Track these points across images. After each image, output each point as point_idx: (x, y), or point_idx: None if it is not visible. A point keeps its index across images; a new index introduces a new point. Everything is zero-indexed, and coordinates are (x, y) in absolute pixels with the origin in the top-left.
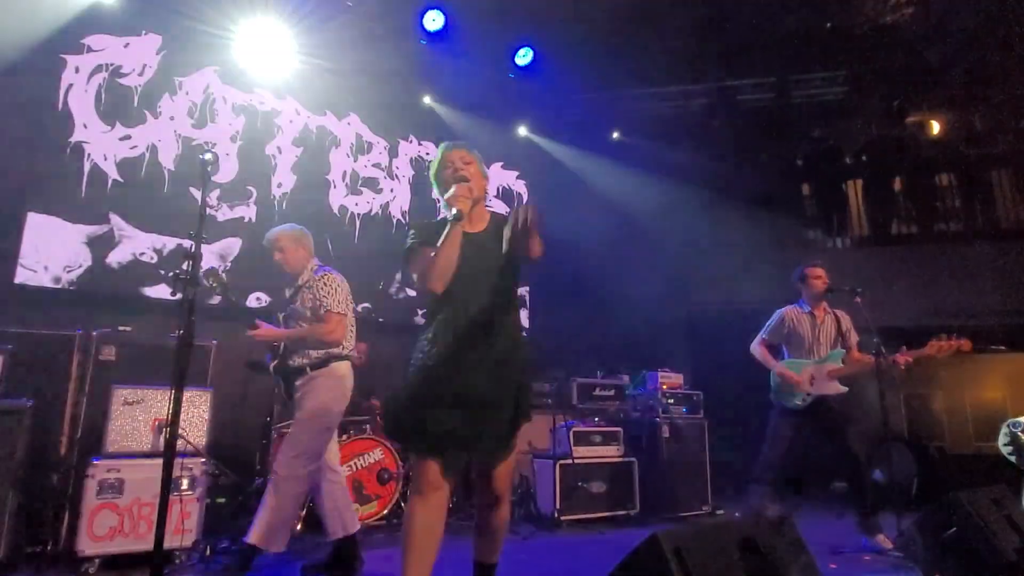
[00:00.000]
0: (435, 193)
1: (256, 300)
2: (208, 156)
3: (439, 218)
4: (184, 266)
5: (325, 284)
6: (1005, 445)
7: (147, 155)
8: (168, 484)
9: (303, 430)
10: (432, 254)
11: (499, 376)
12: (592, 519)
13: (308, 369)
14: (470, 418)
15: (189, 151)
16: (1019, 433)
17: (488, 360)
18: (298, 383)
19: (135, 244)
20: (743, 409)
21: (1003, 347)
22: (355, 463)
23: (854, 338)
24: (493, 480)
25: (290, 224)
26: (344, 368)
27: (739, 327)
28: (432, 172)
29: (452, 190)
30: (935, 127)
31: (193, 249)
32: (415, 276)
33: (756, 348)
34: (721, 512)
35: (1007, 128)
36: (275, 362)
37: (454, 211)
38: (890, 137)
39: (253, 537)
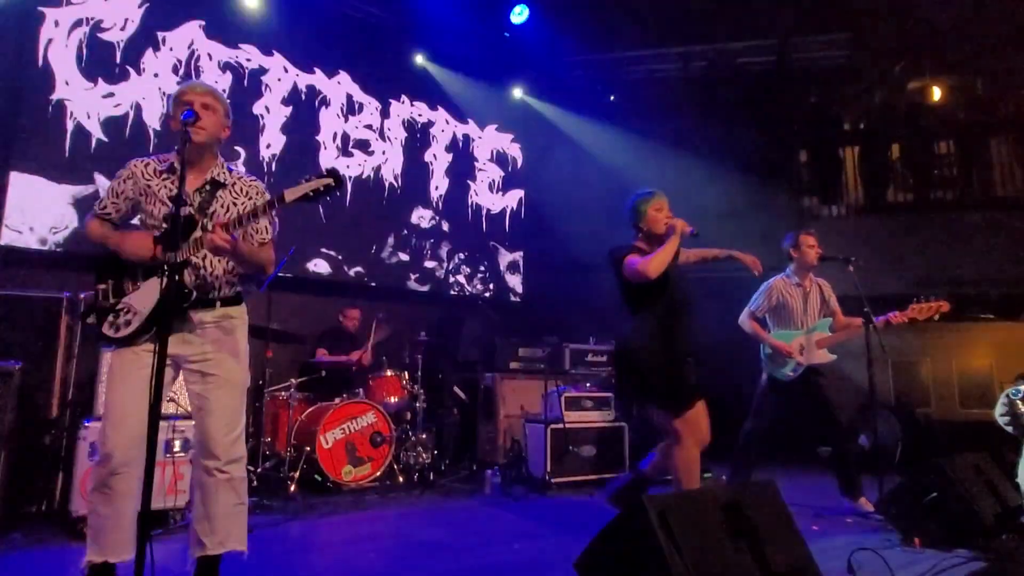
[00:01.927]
0: (648, 224)
1: None
2: (189, 117)
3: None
4: (165, 228)
5: (264, 193)
6: (1002, 415)
7: (131, 114)
8: (153, 446)
9: (239, 402)
10: (660, 254)
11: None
12: (582, 482)
13: (218, 304)
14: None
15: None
16: (1018, 401)
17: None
18: (199, 317)
19: None
20: (732, 376)
21: (992, 315)
22: (348, 426)
23: (836, 305)
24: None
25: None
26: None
27: (731, 294)
28: (637, 210)
29: (676, 221)
30: (936, 93)
31: (174, 211)
32: (645, 268)
33: (746, 322)
34: (708, 475)
35: (1008, 95)
36: (178, 278)
37: (689, 230)
38: (890, 103)
39: (240, 545)
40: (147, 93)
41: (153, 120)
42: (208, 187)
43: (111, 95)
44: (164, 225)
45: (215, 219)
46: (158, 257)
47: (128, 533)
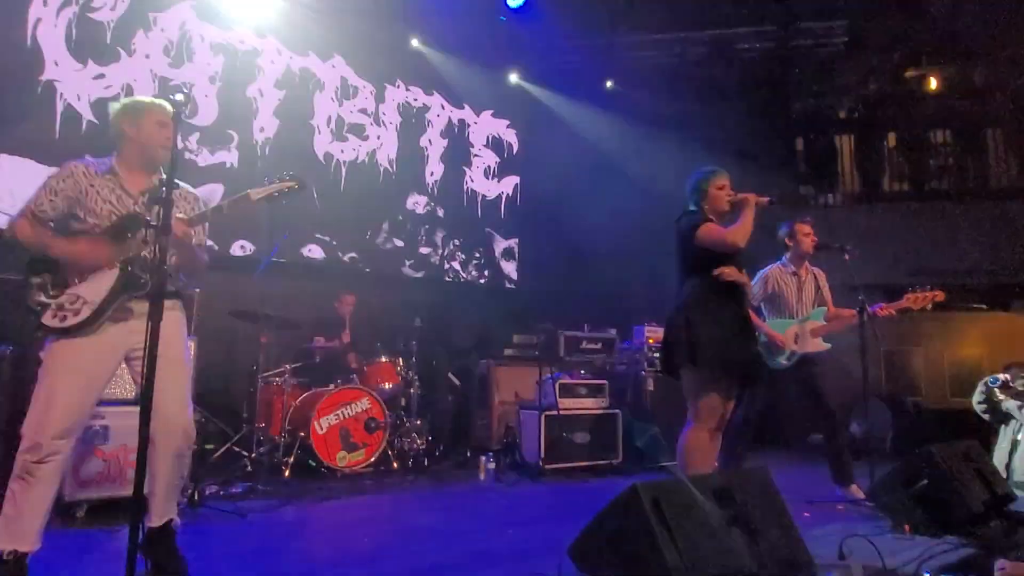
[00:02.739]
0: (710, 202)
1: (240, 248)
2: (180, 96)
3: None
4: (155, 212)
5: (203, 204)
6: (980, 403)
7: (122, 95)
8: (146, 432)
9: (188, 381)
10: (742, 226)
11: None
12: (575, 468)
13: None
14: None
15: (165, 91)
16: (995, 390)
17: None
18: (139, 307)
19: None
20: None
21: (983, 305)
22: (342, 412)
23: (828, 294)
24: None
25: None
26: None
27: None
28: (699, 188)
29: (744, 196)
30: (933, 82)
31: (164, 195)
32: (733, 237)
33: None
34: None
35: (1006, 85)
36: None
37: (765, 200)
38: (886, 92)
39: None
40: (138, 75)
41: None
42: (156, 190)
43: (101, 76)
44: (107, 223)
45: (174, 215)
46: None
47: (41, 523)
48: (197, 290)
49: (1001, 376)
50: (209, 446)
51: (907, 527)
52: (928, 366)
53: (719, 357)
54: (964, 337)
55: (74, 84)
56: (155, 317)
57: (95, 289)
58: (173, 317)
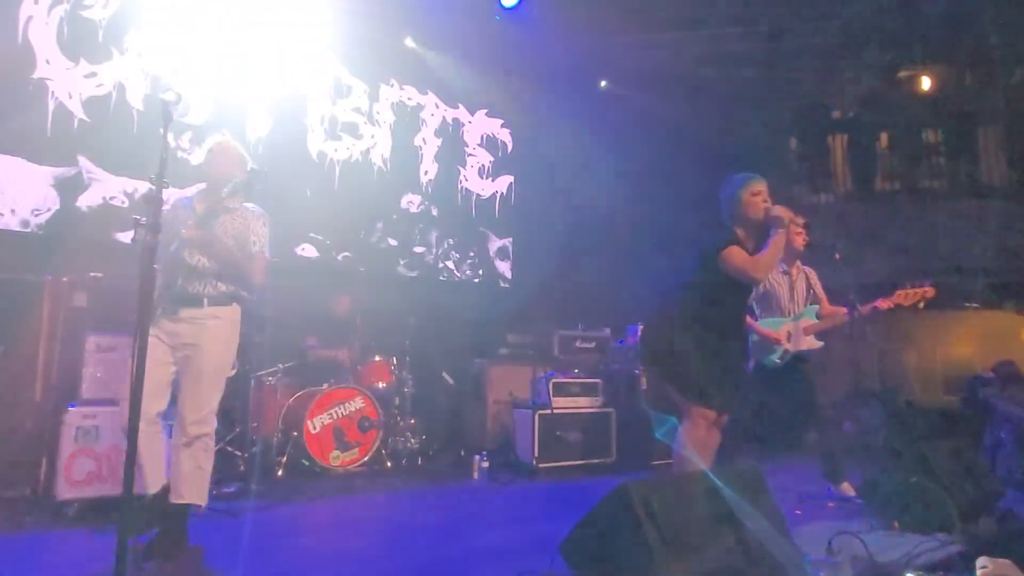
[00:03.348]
0: (742, 208)
1: None
2: (169, 95)
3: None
4: (145, 211)
5: (264, 224)
6: (965, 400)
7: (114, 94)
8: (135, 431)
9: (214, 385)
10: (767, 255)
11: None
12: (569, 467)
13: (206, 302)
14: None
15: (157, 90)
16: (980, 388)
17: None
18: (187, 314)
19: (105, 188)
20: None
21: (976, 304)
22: (336, 411)
23: (821, 293)
24: None
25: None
26: (238, 313)
27: None
28: (733, 192)
29: (780, 209)
30: (925, 83)
31: (155, 193)
32: (754, 271)
33: None
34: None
35: (997, 85)
36: (173, 277)
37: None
38: (879, 91)
39: (195, 497)
40: (131, 73)
41: (137, 101)
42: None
43: (93, 75)
44: None
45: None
46: None
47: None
48: None
49: (986, 375)
50: None
51: (897, 524)
52: (921, 364)
53: (705, 395)
54: (956, 336)
55: (65, 82)
56: (142, 306)
57: None
58: (209, 327)
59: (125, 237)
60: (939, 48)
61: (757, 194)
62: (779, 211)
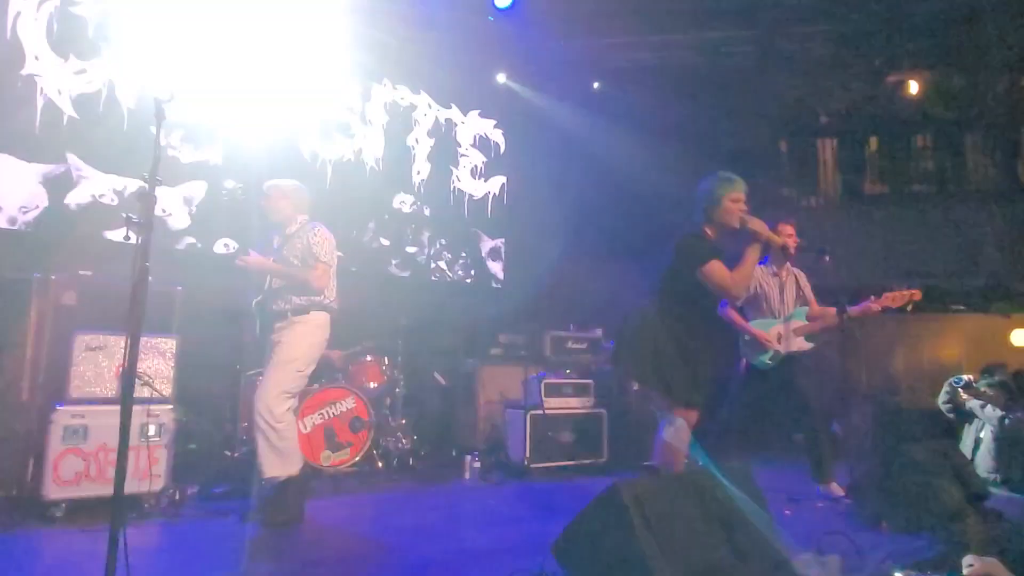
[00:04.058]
0: (720, 213)
1: (224, 246)
2: (163, 93)
3: (700, 232)
4: (138, 208)
5: (315, 235)
6: (945, 403)
7: (105, 91)
8: (126, 431)
9: (282, 372)
10: (743, 271)
11: None
12: (560, 467)
13: (289, 314)
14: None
15: (148, 87)
16: (959, 389)
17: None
18: (277, 326)
19: (94, 185)
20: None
21: (962, 307)
22: (327, 411)
23: (811, 295)
24: None
25: (290, 180)
26: (323, 318)
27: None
28: (713, 193)
29: (756, 222)
30: (914, 87)
31: (148, 191)
32: (733, 290)
33: (724, 310)
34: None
35: (985, 91)
36: (258, 298)
37: (776, 240)
38: (868, 96)
39: (273, 471)
40: (121, 71)
41: (127, 99)
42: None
43: (83, 72)
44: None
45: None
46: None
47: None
48: (179, 288)
49: (965, 377)
50: (192, 446)
51: (885, 524)
52: (908, 367)
53: (689, 398)
54: (944, 338)
55: (55, 79)
56: (134, 307)
57: None
58: (292, 330)
59: (115, 235)
60: (928, 53)
61: (738, 201)
62: (756, 224)
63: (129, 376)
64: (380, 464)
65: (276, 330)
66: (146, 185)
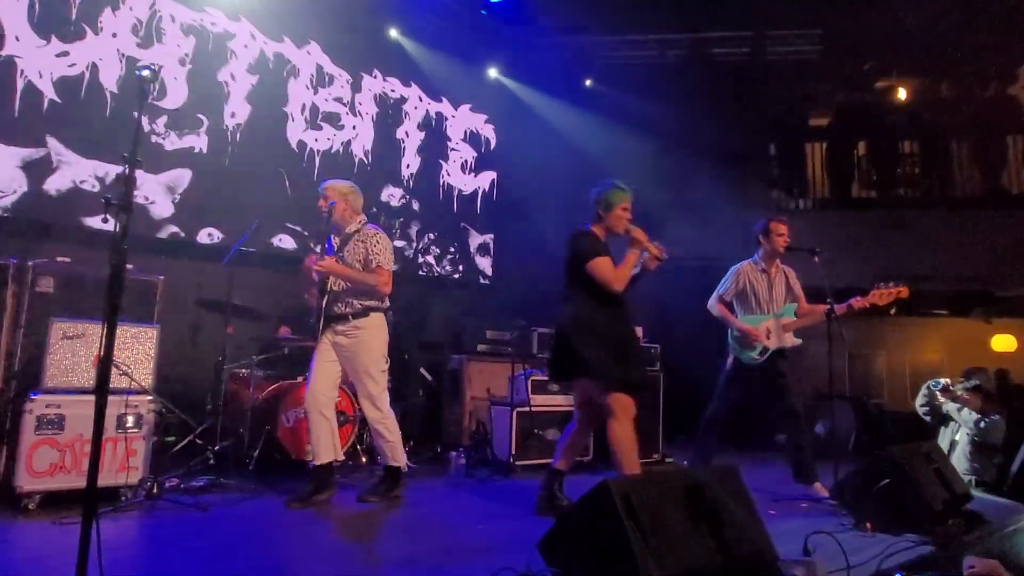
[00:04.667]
0: (610, 218)
1: (208, 236)
2: (146, 73)
3: (591, 231)
4: (117, 190)
5: (378, 241)
6: (922, 405)
7: (87, 75)
8: (101, 421)
9: (374, 375)
10: (624, 269)
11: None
12: (546, 465)
13: (351, 317)
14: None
15: (133, 72)
16: (937, 392)
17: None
18: (338, 328)
19: (75, 171)
20: (698, 363)
21: (945, 311)
22: None
23: (800, 292)
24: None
25: (344, 181)
26: (381, 318)
27: (699, 282)
28: (608, 200)
29: (638, 231)
30: (902, 93)
31: (127, 172)
32: (614, 283)
33: (714, 306)
34: (671, 460)
35: (971, 98)
36: (323, 301)
37: (652, 251)
38: (858, 101)
39: (399, 461)
40: (104, 54)
41: (110, 82)
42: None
43: (65, 54)
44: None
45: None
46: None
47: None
48: (161, 277)
49: (943, 380)
50: (170, 438)
51: (869, 525)
52: (891, 369)
53: (608, 374)
54: (925, 342)
55: (36, 61)
56: (112, 293)
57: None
58: (361, 337)
59: (95, 222)
60: (917, 60)
61: (626, 210)
62: (637, 233)
63: (105, 364)
64: (364, 459)
65: (337, 332)
66: (126, 166)
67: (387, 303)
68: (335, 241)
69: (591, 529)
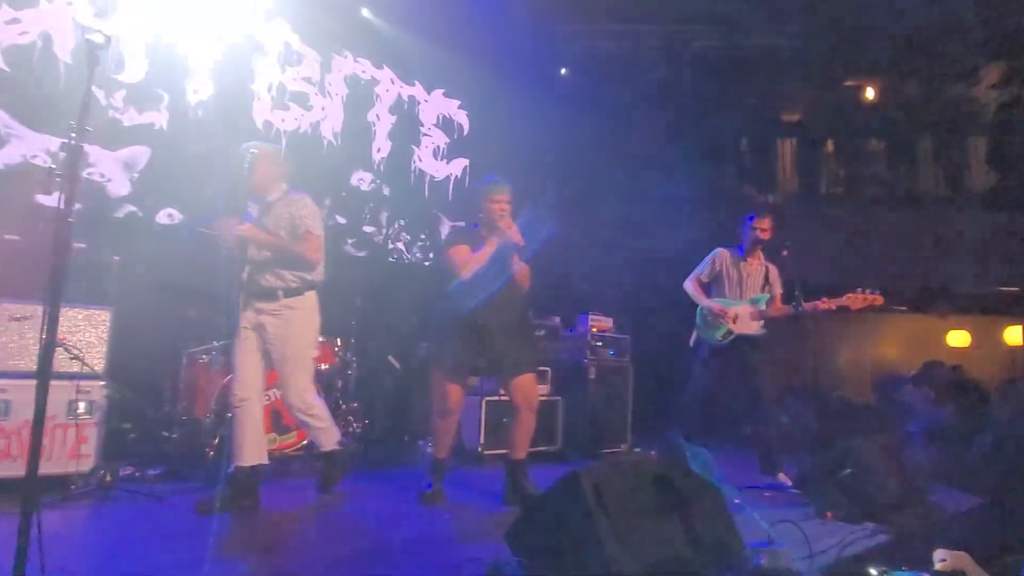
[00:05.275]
0: (481, 212)
1: (167, 216)
2: (96, 37)
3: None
4: (62, 160)
5: (306, 205)
6: (883, 399)
7: (39, 44)
8: (42, 407)
9: (302, 366)
10: (474, 261)
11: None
12: None
13: (280, 294)
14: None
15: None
16: (897, 387)
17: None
18: (261, 306)
19: (26, 145)
20: (668, 354)
21: (904, 308)
22: (273, 393)
23: (777, 291)
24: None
25: (270, 144)
26: (315, 301)
27: (669, 274)
28: (480, 195)
29: (507, 222)
30: (870, 92)
31: (74, 141)
32: (461, 271)
33: (689, 284)
34: (638, 450)
35: (937, 98)
36: (243, 272)
37: (517, 241)
38: (828, 99)
39: (333, 443)
40: (58, 23)
41: (65, 53)
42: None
43: (16, 21)
44: None
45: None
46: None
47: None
48: (116, 258)
49: (903, 374)
50: (126, 425)
51: (829, 514)
52: (853, 363)
53: (434, 356)
54: (885, 337)
55: None
56: (56, 271)
57: None
58: (290, 319)
59: (47, 199)
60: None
61: (496, 202)
62: (505, 226)
63: (48, 347)
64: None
65: (260, 311)
66: (73, 134)
67: (320, 275)
68: (253, 210)
69: (560, 519)
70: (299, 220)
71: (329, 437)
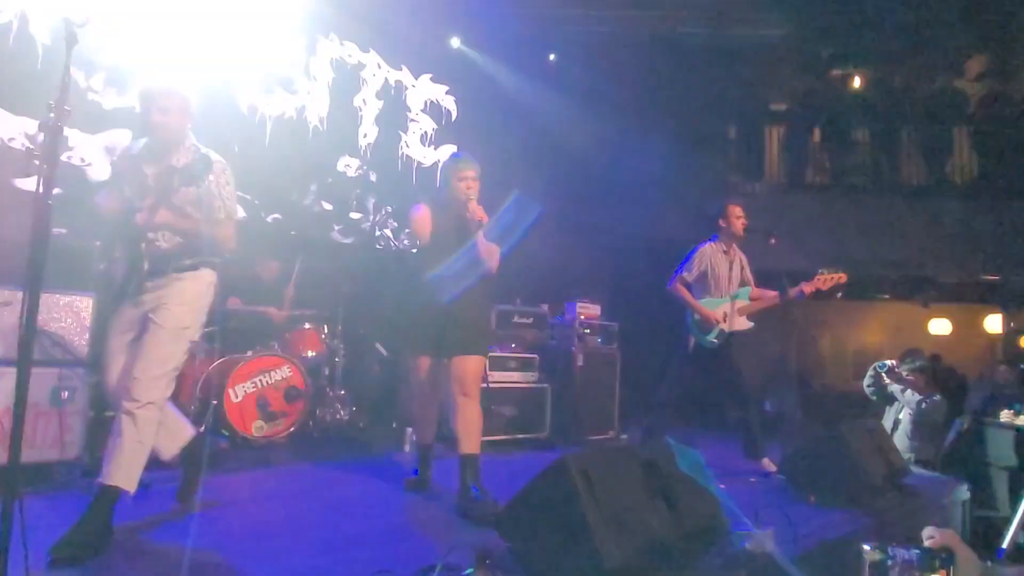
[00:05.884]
0: (449, 189)
1: None
2: (75, 16)
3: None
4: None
5: (228, 181)
6: (869, 386)
7: (15, 23)
8: (23, 394)
9: (168, 344)
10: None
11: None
12: (502, 441)
13: (170, 271)
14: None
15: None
16: (883, 374)
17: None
18: (148, 285)
19: (3, 127)
20: (655, 341)
21: (887, 295)
22: (260, 380)
23: (751, 276)
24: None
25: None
26: (213, 276)
27: (656, 262)
28: (448, 172)
29: (471, 208)
30: (856, 82)
31: (51, 121)
32: (420, 231)
33: (676, 287)
34: (625, 438)
35: (922, 89)
36: (143, 261)
37: (477, 220)
38: (815, 88)
39: (114, 479)
40: (35, 1)
41: (42, 33)
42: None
43: None
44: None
45: None
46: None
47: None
48: (99, 243)
49: (888, 362)
50: (109, 413)
51: (812, 498)
52: (834, 351)
53: (407, 332)
54: (867, 325)
55: None
56: (35, 255)
57: None
58: (177, 289)
59: (25, 184)
60: (871, 50)
61: (462, 179)
62: (471, 207)
63: (28, 333)
64: (316, 435)
65: (148, 288)
66: (51, 114)
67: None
68: (146, 171)
69: (549, 504)
70: (218, 200)
71: (127, 464)
